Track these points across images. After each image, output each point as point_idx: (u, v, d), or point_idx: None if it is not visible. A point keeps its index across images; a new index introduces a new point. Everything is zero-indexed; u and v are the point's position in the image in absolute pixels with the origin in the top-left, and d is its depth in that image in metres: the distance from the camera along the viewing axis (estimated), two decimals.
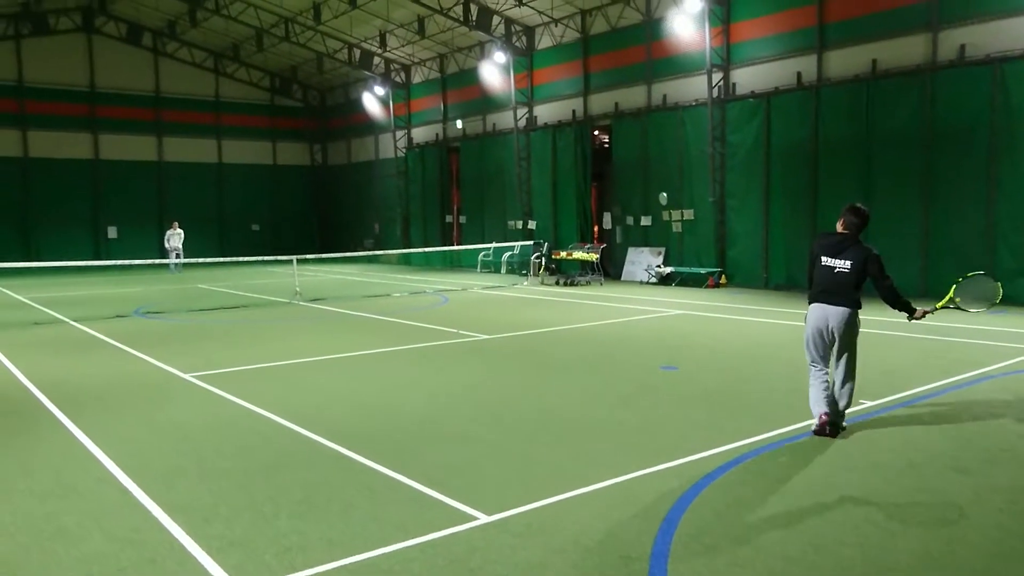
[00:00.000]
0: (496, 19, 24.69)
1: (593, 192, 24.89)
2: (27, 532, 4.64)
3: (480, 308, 16.09)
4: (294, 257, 19.33)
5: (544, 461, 5.87)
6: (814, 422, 6.43)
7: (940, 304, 6.83)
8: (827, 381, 6.49)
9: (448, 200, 30.84)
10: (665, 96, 21.48)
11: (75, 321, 14.40)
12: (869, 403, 7.39)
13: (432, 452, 6.10)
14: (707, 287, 19.49)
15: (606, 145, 24.67)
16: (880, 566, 4.07)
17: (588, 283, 21.28)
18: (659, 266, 21.38)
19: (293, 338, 12.26)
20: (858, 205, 6.58)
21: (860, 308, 6.43)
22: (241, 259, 19.70)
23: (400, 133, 32.16)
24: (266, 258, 20.51)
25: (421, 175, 31.41)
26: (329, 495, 5.15)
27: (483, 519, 4.68)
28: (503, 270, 25.95)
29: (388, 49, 30.00)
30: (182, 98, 34.51)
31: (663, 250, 21.81)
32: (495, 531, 4.52)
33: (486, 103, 27.67)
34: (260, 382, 8.80)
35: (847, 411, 6.56)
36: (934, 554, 4.20)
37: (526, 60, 25.62)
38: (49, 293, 20.06)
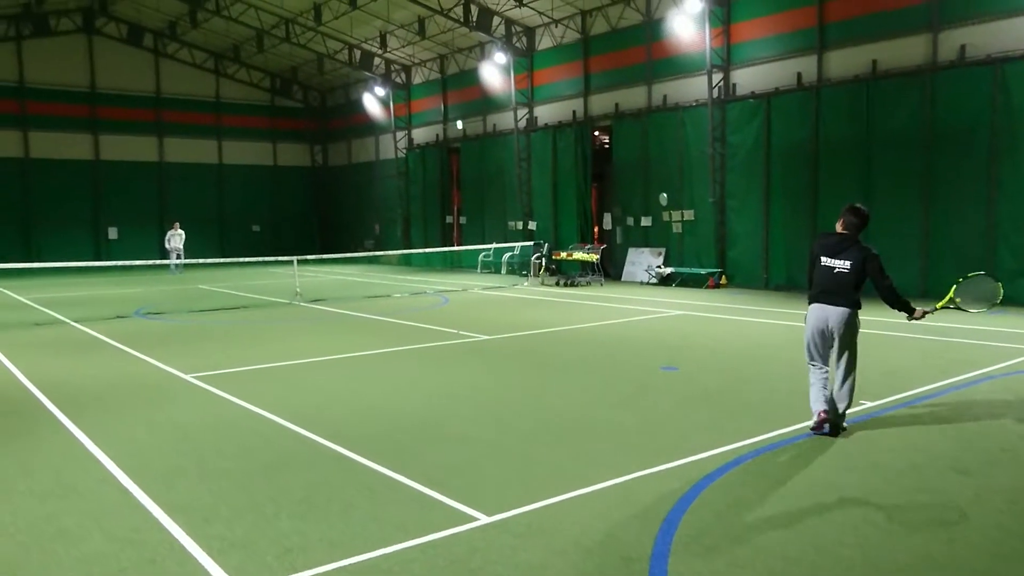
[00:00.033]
0: (496, 20, 24.70)
1: (593, 193, 24.90)
2: (27, 532, 4.64)
3: (480, 309, 16.09)
4: (294, 258, 19.34)
5: (544, 462, 5.87)
6: (812, 420, 6.47)
7: (940, 304, 6.83)
8: (826, 380, 6.51)
9: (448, 201, 30.85)
10: (665, 97, 21.49)
11: (75, 322, 14.40)
12: (870, 403, 7.39)
13: (432, 452, 6.10)
14: (707, 288, 19.49)
15: (606, 146, 24.68)
16: (880, 567, 4.07)
17: (588, 284, 21.28)
18: (659, 267, 21.38)
19: (293, 339, 12.26)
20: (857, 205, 6.59)
21: (860, 308, 6.43)
22: (241, 260, 19.74)
23: (400, 134, 32.18)
24: (266, 259, 20.52)
25: (421, 176, 31.42)
26: (329, 496, 5.15)
27: (483, 520, 4.68)
28: (503, 271, 25.96)
29: (388, 50, 30.01)
30: (183, 99, 34.54)
31: (663, 251, 21.81)
32: (495, 532, 4.52)
33: (486, 104, 27.67)
34: (260, 383, 8.80)
35: (848, 412, 6.56)
36: (934, 555, 4.20)
37: (526, 61, 25.63)
38: (50, 294, 20.07)
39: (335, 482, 5.43)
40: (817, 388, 6.50)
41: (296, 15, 28.25)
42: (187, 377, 9.12)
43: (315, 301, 17.53)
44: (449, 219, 30.87)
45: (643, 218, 22.44)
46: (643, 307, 15.81)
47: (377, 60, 30.87)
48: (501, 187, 27.36)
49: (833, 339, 6.46)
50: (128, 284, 23.19)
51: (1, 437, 6.72)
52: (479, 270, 26.99)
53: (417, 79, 31.39)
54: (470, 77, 28.23)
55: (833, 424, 6.43)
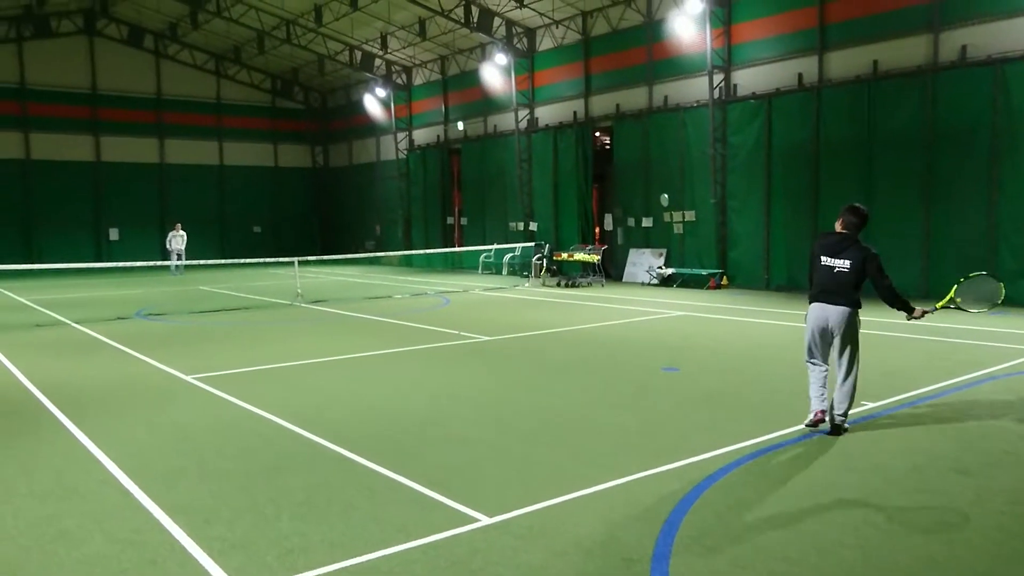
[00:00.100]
0: (497, 21, 24.70)
1: (594, 193, 24.91)
2: (28, 534, 4.64)
3: (481, 310, 16.09)
4: (295, 259, 19.35)
5: (545, 462, 5.87)
6: (808, 416, 6.54)
7: (940, 304, 6.82)
8: (825, 378, 6.55)
9: (449, 202, 30.85)
10: (666, 97, 21.49)
11: (76, 323, 14.41)
12: (871, 404, 7.38)
13: (433, 453, 6.10)
14: (708, 288, 19.49)
15: (607, 146, 24.68)
16: (881, 568, 4.06)
17: (589, 284, 21.28)
18: (660, 267, 21.38)
19: (294, 340, 12.27)
20: (856, 205, 6.60)
21: (860, 308, 6.45)
22: (242, 261, 19.75)
23: (401, 135, 32.19)
24: (267, 260, 20.53)
25: (422, 177, 31.42)
26: (330, 496, 5.15)
27: (484, 521, 4.68)
28: (504, 272, 25.96)
29: (389, 51, 30.02)
30: (183, 100, 34.55)
31: (664, 251, 21.81)
32: (496, 533, 4.52)
33: (487, 105, 27.68)
34: (261, 384, 8.81)
35: (849, 412, 6.56)
36: (935, 556, 4.20)
37: (527, 62, 25.63)
38: (50, 295, 20.08)
39: (336, 483, 5.43)
40: (816, 387, 6.55)
41: (297, 16, 28.27)
42: (188, 378, 9.13)
43: (316, 302, 17.53)
44: (450, 220, 30.88)
45: (644, 219, 22.43)
46: (644, 308, 15.81)
47: (378, 61, 30.88)
48: (502, 188, 27.36)
49: (833, 338, 6.47)
50: (129, 285, 23.22)
51: (2, 438, 6.72)
52: (480, 271, 26.99)
53: (418, 80, 31.41)
54: (471, 78, 28.23)
55: (835, 425, 6.44)
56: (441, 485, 5.29)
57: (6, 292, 21.12)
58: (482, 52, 27.33)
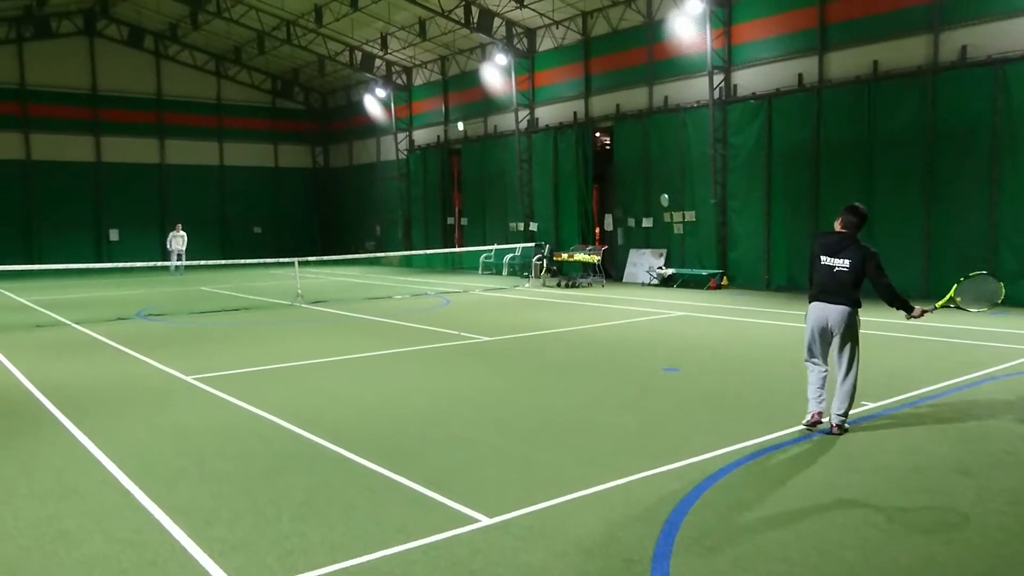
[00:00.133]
0: (497, 21, 24.71)
1: (594, 194, 24.90)
2: (28, 534, 4.64)
3: (481, 310, 16.09)
4: (295, 259, 19.34)
5: (546, 463, 5.87)
6: (807, 417, 6.56)
7: (940, 303, 6.82)
8: (825, 378, 6.57)
9: (449, 202, 30.85)
10: (666, 98, 21.49)
11: (77, 323, 14.41)
12: (871, 404, 7.38)
13: (433, 454, 6.10)
14: (709, 289, 19.48)
15: (607, 147, 24.67)
16: (882, 568, 4.06)
17: (589, 285, 21.28)
18: (660, 268, 21.37)
19: (294, 340, 12.27)
20: (856, 204, 6.61)
21: (860, 307, 6.45)
22: (242, 261, 19.77)
23: (401, 135, 32.19)
24: (267, 260, 20.52)
25: (422, 177, 31.42)
26: (330, 497, 5.15)
27: (485, 521, 4.68)
28: (504, 272, 25.96)
29: (389, 51, 30.03)
30: (184, 101, 34.55)
31: (664, 252, 21.81)
32: (497, 533, 4.52)
33: (487, 105, 27.68)
34: (261, 385, 8.80)
35: (849, 412, 6.56)
36: (936, 557, 4.20)
37: (527, 62, 25.64)
38: (51, 295, 20.08)
39: (336, 484, 5.43)
40: (814, 388, 6.58)
41: (297, 17, 28.27)
42: (188, 379, 9.13)
43: (316, 303, 17.53)
44: (450, 220, 30.88)
45: (644, 219, 22.43)
46: (644, 308, 15.81)
47: (378, 62, 30.89)
48: (502, 188, 27.36)
49: (833, 338, 6.48)
50: (129, 286, 23.22)
51: (2, 439, 6.72)
52: (480, 271, 26.99)
53: (418, 80, 31.41)
54: (471, 78, 28.24)
55: (836, 425, 6.45)
56: (441, 485, 5.29)
57: (6, 293, 21.13)
58: (482, 52, 27.33)
